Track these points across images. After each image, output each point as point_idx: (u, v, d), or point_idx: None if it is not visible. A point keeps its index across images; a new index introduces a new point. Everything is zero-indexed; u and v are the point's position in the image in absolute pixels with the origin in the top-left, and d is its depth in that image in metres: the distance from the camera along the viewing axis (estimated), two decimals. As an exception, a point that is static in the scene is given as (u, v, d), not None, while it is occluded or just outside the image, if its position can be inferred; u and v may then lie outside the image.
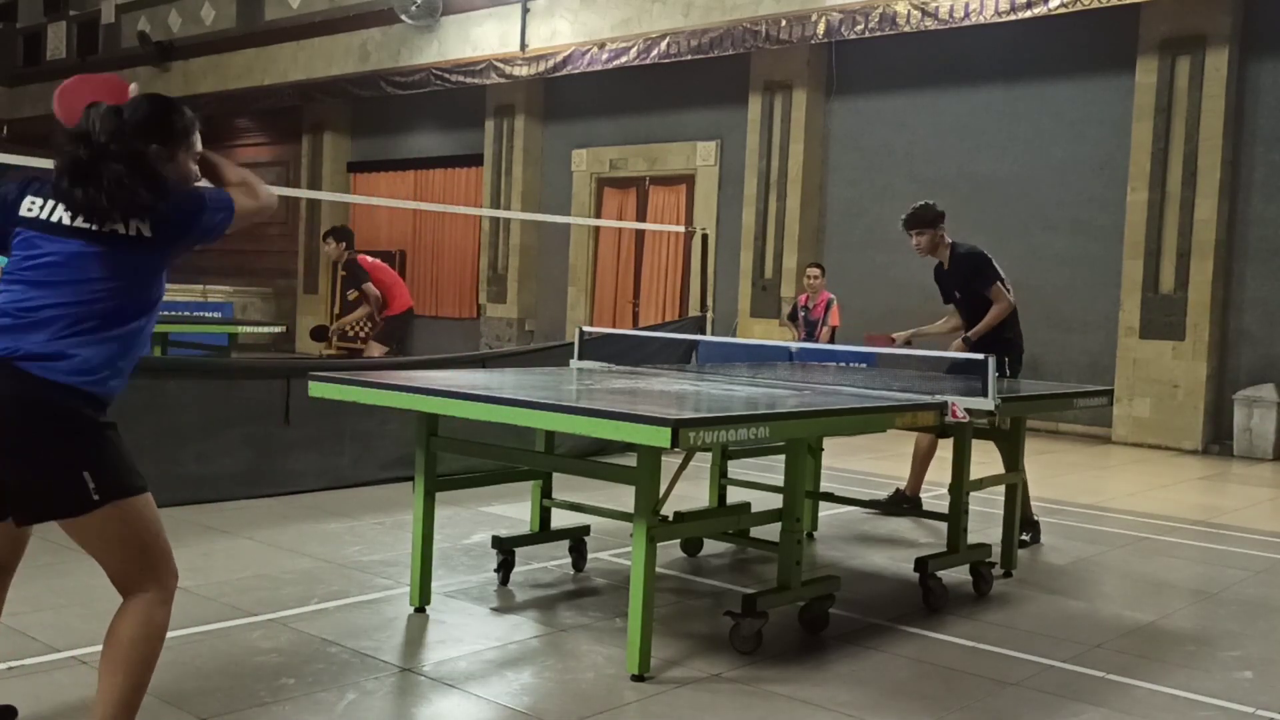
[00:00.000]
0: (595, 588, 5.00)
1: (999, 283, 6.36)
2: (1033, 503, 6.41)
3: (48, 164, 2.87)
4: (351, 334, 9.73)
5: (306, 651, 3.93)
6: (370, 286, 9.39)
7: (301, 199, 19.07)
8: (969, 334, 6.33)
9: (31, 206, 2.76)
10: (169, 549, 2.79)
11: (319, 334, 10.37)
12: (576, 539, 5.24)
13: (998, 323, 6.31)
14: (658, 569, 4.12)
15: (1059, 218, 11.86)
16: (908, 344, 6.57)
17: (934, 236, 6.39)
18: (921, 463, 6.75)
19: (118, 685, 2.69)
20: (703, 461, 6.13)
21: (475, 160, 17.15)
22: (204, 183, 3.01)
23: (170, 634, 4.02)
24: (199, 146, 2.94)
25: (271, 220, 20.06)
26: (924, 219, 6.36)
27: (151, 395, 6.19)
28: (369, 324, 9.57)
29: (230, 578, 4.86)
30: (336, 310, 10.88)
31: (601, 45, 14.43)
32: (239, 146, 20.98)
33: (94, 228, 2.70)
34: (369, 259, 9.92)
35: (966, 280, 6.39)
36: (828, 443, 6.52)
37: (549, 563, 5.29)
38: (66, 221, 2.71)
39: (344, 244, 9.59)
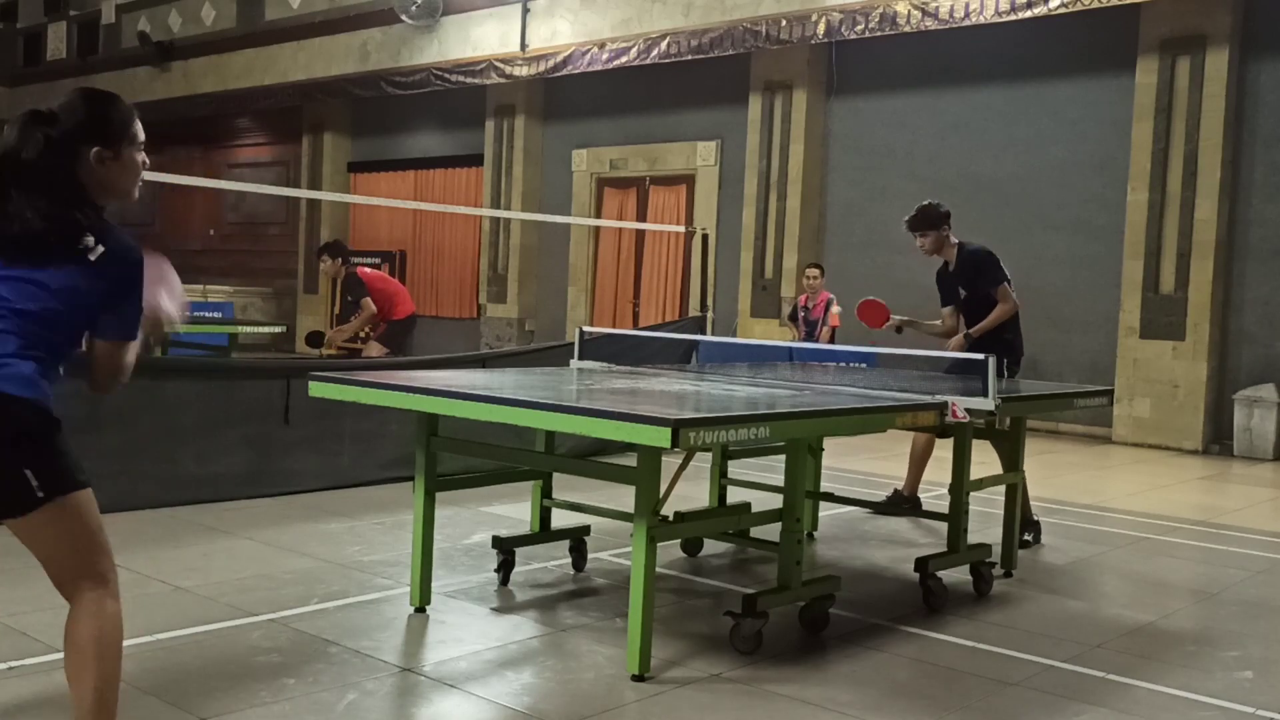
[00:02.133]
0: (595, 588, 5.00)
1: (1006, 283, 6.35)
2: (1033, 503, 6.40)
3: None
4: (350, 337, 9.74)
5: (306, 651, 3.93)
6: (368, 302, 9.40)
7: (301, 199, 19.05)
8: (971, 330, 6.31)
9: None
10: (108, 542, 2.73)
11: (314, 340, 10.35)
12: (577, 539, 5.24)
13: (999, 323, 6.30)
14: (658, 569, 4.11)
15: (1059, 218, 11.85)
16: (898, 330, 6.55)
17: (939, 237, 6.35)
18: (919, 462, 6.73)
19: (90, 687, 2.63)
20: (703, 461, 6.12)
21: (475, 160, 17.14)
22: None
23: (170, 634, 4.05)
24: (142, 135, 2.79)
25: (271, 220, 20.09)
26: (928, 220, 6.32)
27: (151, 395, 6.19)
28: (370, 327, 9.56)
29: (230, 578, 4.86)
30: (336, 311, 10.88)
31: (601, 45, 14.42)
32: (239, 146, 20.99)
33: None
34: (368, 270, 9.88)
35: (973, 278, 6.36)
36: (828, 443, 6.52)
37: (549, 563, 5.29)
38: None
39: (339, 259, 9.56)
